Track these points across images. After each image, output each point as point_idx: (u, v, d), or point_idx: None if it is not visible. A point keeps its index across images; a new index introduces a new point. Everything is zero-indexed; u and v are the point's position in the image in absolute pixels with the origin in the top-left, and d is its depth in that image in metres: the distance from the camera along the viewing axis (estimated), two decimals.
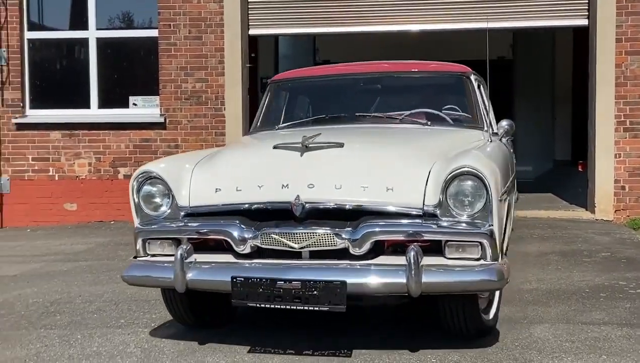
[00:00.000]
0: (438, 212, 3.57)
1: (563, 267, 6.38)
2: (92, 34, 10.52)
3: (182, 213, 3.92)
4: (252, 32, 10.35)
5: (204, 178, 4.00)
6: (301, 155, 3.80)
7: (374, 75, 5.76)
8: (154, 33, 10.31)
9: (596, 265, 6.42)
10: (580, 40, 11.04)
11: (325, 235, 3.57)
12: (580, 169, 11.39)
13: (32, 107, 10.65)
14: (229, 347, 3.97)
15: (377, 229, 3.56)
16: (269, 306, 3.60)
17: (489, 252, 3.46)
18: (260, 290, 3.53)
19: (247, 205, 3.80)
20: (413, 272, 3.30)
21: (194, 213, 3.92)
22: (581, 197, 10.08)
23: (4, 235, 9.90)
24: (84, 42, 10.56)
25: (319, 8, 10.18)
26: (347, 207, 3.68)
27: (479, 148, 4.54)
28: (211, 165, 4.17)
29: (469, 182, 3.54)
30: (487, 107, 5.77)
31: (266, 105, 5.73)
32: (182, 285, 3.61)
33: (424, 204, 3.57)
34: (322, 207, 3.65)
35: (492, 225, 3.49)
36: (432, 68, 5.69)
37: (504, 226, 4.53)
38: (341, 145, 3.86)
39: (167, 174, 3.97)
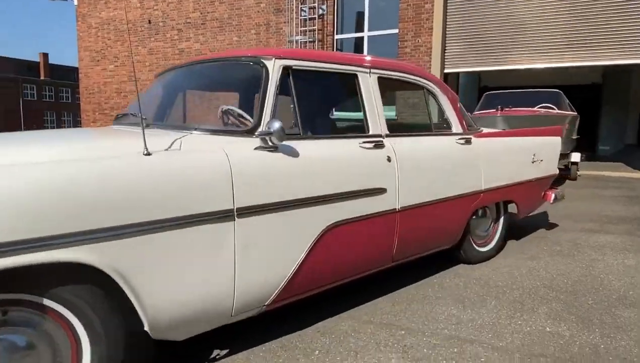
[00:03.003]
0: None
1: (627, 204, 5.65)
2: None
3: None
4: (445, 71, 10.05)
5: None
6: None
7: (183, 67, 2.55)
8: None
9: None
10: None
11: None
12: None
13: (336, 111, 11.21)
14: None
15: None
16: None
17: None
18: None
19: None
20: None
21: None
22: None
23: None
24: None
25: (481, 55, 9.65)
26: None
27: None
28: None
29: None
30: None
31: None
32: None
33: None
34: None
35: None
36: (230, 54, 2.36)
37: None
38: None
39: None
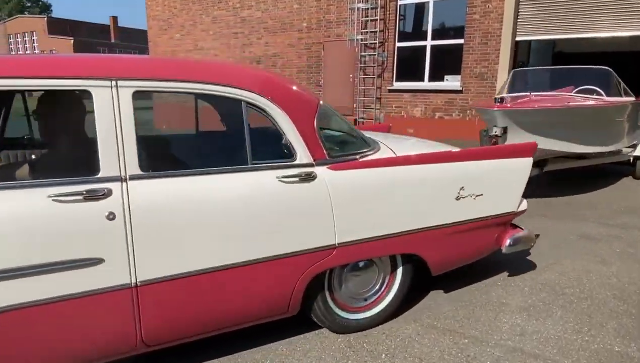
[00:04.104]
0: None
1: None
2: (428, 42, 10.32)
3: None
4: (517, 38, 9.40)
5: None
6: None
7: None
8: (461, 41, 9.85)
9: None
10: None
11: None
12: None
13: (396, 81, 10.86)
14: None
15: None
16: None
17: None
18: None
19: None
20: None
21: None
22: None
23: None
24: (423, 48, 10.43)
25: (558, 21, 8.87)
26: None
27: None
28: None
29: None
30: None
31: None
32: None
33: None
34: None
35: None
36: None
37: None
38: None
39: None
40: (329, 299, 2.30)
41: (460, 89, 9.86)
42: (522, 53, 11.21)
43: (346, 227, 2.13)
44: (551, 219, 4.36)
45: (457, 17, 9.92)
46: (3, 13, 47.85)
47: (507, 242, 2.70)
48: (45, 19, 43.16)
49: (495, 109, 4.29)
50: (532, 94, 5.29)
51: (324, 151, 2.12)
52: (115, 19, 46.92)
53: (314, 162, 2.09)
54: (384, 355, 2.23)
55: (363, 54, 10.94)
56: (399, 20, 10.75)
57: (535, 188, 5.63)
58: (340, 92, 11.54)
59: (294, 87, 2.18)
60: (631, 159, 6.12)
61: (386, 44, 10.69)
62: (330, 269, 2.22)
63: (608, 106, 4.93)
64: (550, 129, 4.40)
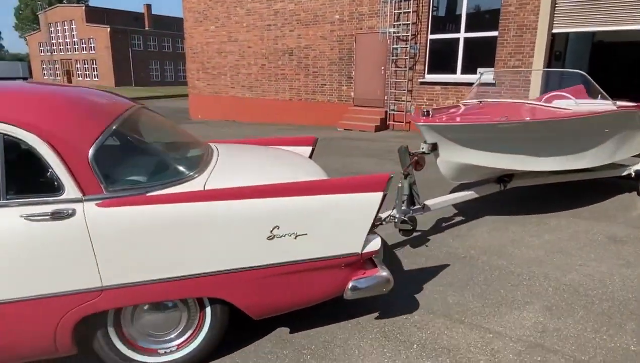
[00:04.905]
0: None
1: None
2: (462, 35, 10.29)
3: None
4: (554, 31, 9.26)
5: None
6: None
7: None
8: (495, 33, 9.78)
9: None
10: None
11: None
12: None
13: (428, 73, 10.89)
14: None
15: None
16: None
17: None
18: None
19: None
20: None
21: None
22: None
23: (410, 135, 10.42)
24: (456, 40, 10.40)
25: (598, 12, 8.68)
26: None
27: None
28: None
29: None
30: None
31: None
32: None
33: None
34: None
35: None
36: None
37: None
38: None
39: None
40: (116, 342, 2.15)
41: (494, 82, 9.82)
42: (559, 43, 10.98)
43: (115, 270, 1.96)
44: (582, 219, 4.47)
45: (492, 9, 9.83)
46: (44, 2, 49.60)
47: (349, 285, 2.38)
48: (83, 8, 44.53)
49: (421, 123, 3.72)
50: (483, 101, 4.78)
51: (100, 184, 1.94)
52: (149, 6, 47.94)
53: (82, 197, 1.91)
54: (415, 345, 2.50)
55: (395, 46, 11.01)
56: (432, 12, 10.73)
57: (565, 190, 5.69)
58: (371, 84, 11.67)
59: (70, 112, 2.00)
60: (632, 173, 5.15)
61: (418, 36, 10.71)
62: (114, 309, 2.08)
63: (562, 119, 3.97)
64: (492, 144, 3.81)
